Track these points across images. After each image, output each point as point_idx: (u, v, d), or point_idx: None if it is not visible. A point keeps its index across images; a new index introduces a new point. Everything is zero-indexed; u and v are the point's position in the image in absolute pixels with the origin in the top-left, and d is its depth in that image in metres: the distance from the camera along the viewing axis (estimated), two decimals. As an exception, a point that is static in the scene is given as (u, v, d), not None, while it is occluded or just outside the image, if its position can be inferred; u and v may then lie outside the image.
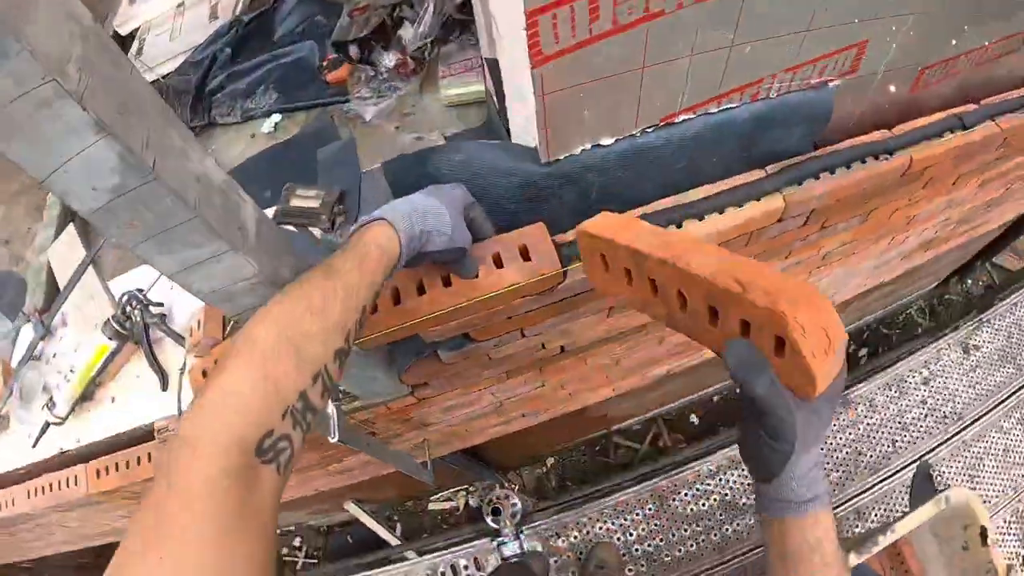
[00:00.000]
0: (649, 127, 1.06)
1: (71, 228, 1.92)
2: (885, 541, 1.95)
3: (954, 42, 1.16)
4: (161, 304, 1.63)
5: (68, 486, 1.64)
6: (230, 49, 1.94)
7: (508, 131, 1.15)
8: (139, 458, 1.58)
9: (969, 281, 3.75)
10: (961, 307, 3.96)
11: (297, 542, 4.44)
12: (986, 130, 1.30)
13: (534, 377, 1.66)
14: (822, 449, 0.72)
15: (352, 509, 3.28)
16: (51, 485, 1.66)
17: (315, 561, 4.28)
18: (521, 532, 2.47)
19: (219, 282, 0.84)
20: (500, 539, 2.47)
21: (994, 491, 2.64)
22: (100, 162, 0.61)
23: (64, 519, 1.91)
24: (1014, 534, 2.62)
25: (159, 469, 0.57)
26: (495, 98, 1.24)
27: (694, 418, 3.95)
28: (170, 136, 0.70)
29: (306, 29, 1.94)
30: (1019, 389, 2.84)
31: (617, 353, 1.69)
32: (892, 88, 1.22)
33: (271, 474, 0.61)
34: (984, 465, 2.69)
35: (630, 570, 2.35)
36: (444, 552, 2.55)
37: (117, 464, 1.60)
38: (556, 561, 2.41)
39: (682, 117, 1.07)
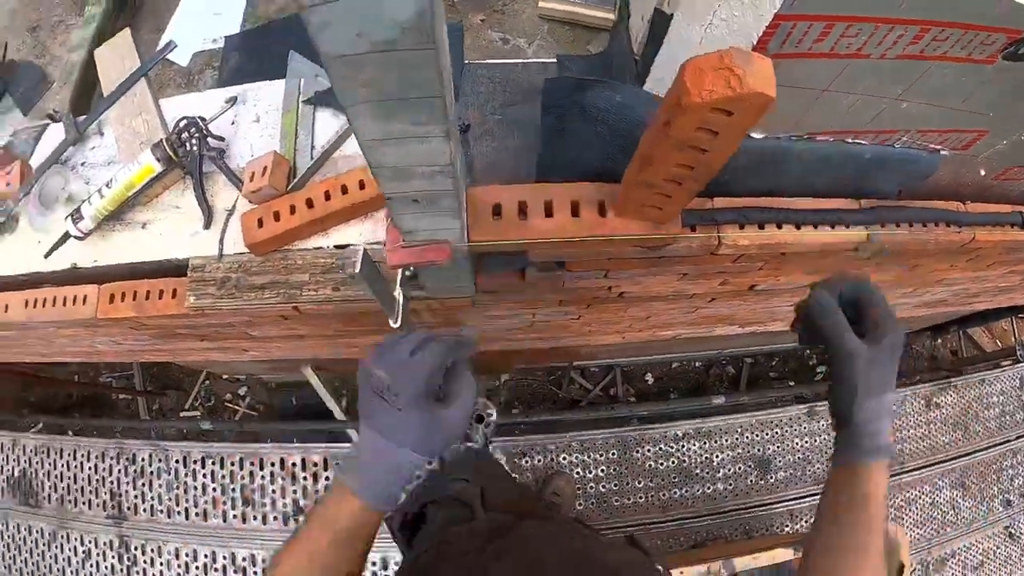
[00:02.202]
0: (794, 135, 1.26)
1: (127, 33, 1.74)
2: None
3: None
4: (223, 139, 1.58)
5: (75, 304, 1.61)
6: None
7: (639, 76, 1.28)
8: (161, 291, 1.56)
9: (939, 341, 4.12)
10: (923, 362, 4.32)
11: (243, 391, 4.57)
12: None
13: (578, 310, 1.88)
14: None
15: (308, 375, 3.33)
16: (56, 299, 1.63)
17: (255, 413, 4.47)
18: (490, 443, 2.73)
19: (412, 160, 0.93)
20: (468, 444, 2.72)
21: (910, 537, 3.01)
22: (380, 10, 0.59)
23: (54, 334, 1.93)
24: None
25: None
26: (633, 41, 1.37)
27: (649, 377, 4.28)
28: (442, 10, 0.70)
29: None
30: (961, 456, 3.23)
31: (655, 309, 1.92)
32: (982, 172, 1.44)
33: None
34: (909, 511, 3.07)
35: (580, 504, 2.64)
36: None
37: (136, 293, 1.58)
38: (516, 478, 2.68)
39: (822, 137, 1.27)
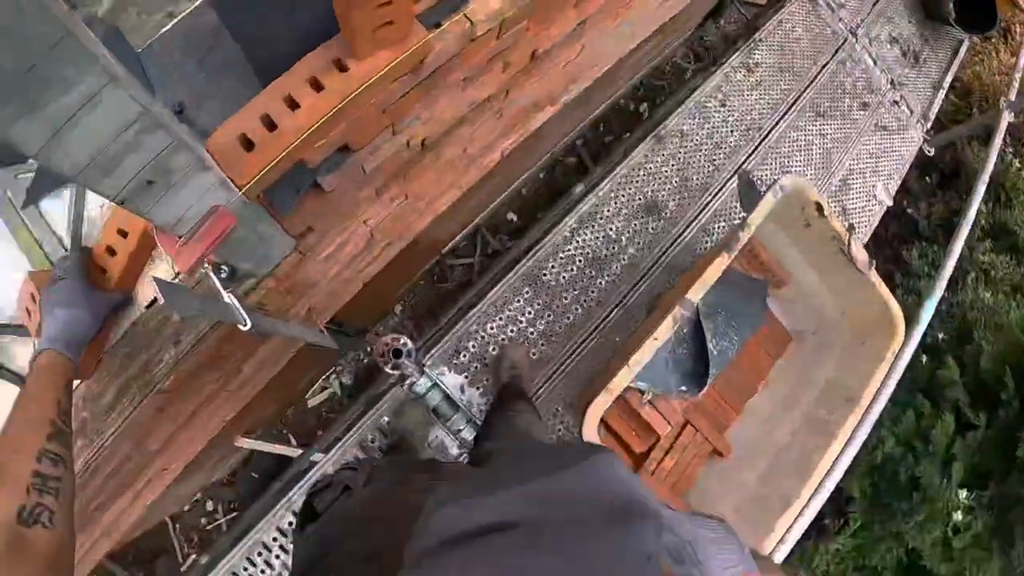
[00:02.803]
0: None
1: None
2: (745, 235, 2.31)
3: None
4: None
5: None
6: None
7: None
8: None
9: (723, 22, 4.19)
10: (721, 47, 4.42)
11: (210, 505, 4.33)
12: None
13: (399, 192, 1.72)
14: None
15: (245, 443, 3.23)
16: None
17: (236, 513, 4.24)
18: (424, 367, 2.61)
19: (101, 136, 0.78)
20: (409, 381, 2.59)
21: (810, 179, 3.15)
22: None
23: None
24: (835, 210, 3.17)
25: None
26: None
27: (511, 216, 4.22)
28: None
29: None
30: (802, 92, 3.39)
31: (465, 138, 1.77)
32: None
33: (40, 530, 0.85)
34: (794, 161, 3.22)
35: (534, 353, 2.58)
36: (356, 430, 2.63)
37: None
38: (466, 377, 2.58)
39: None
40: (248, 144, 1.10)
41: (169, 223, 1.03)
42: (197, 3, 1.37)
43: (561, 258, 2.67)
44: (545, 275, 2.64)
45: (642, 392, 2.46)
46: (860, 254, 2.42)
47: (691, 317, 2.45)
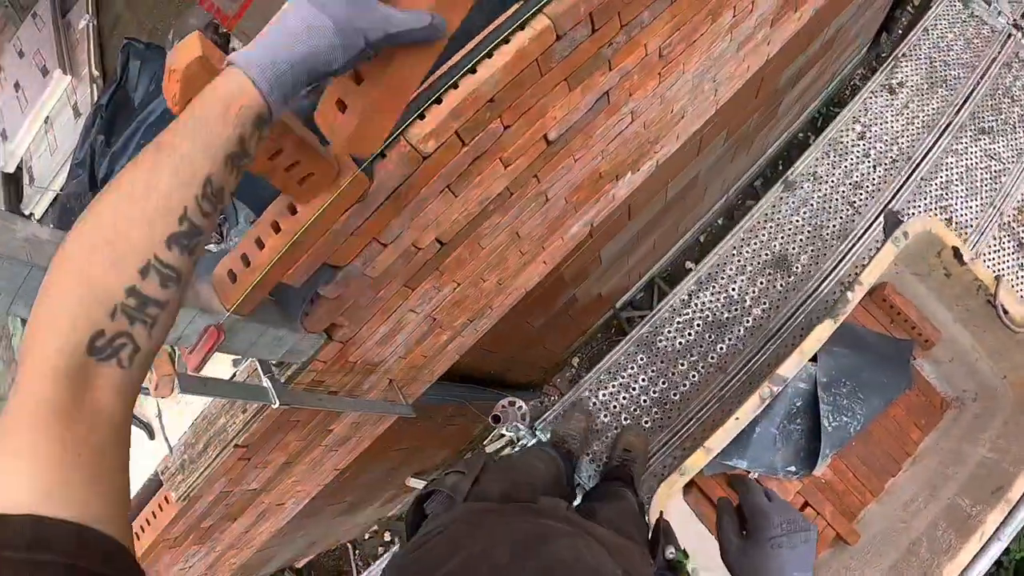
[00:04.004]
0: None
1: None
2: (855, 296, 2.11)
3: None
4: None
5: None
6: (102, 136, 2.07)
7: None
8: (160, 505, 1.84)
9: (899, 31, 3.79)
10: (855, 72, 4.00)
11: (387, 536, 4.78)
12: None
13: (440, 281, 1.83)
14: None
15: (413, 483, 3.48)
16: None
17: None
18: (535, 429, 2.68)
19: None
20: (521, 443, 2.68)
21: (972, 215, 2.75)
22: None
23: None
24: (1008, 245, 2.74)
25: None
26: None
27: (690, 265, 4.12)
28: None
29: (159, 83, 2.05)
30: (960, 108, 2.93)
31: (504, 225, 1.84)
32: None
33: (111, 371, 0.65)
34: (953, 191, 2.80)
35: (645, 421, 2.54)
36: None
37: (147, 520, 1.86)
38: (576, 441, 2.61)
39: None
40: (233, 277, 1.32)
41: (171, 341, 1.25)
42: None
43: (678, 323, 2.60)
44: (661, 341, 2.60)
45: (747, 470, 2.32)
46: (1017, 308, 2.09)
47: (807, 389, 2.26)
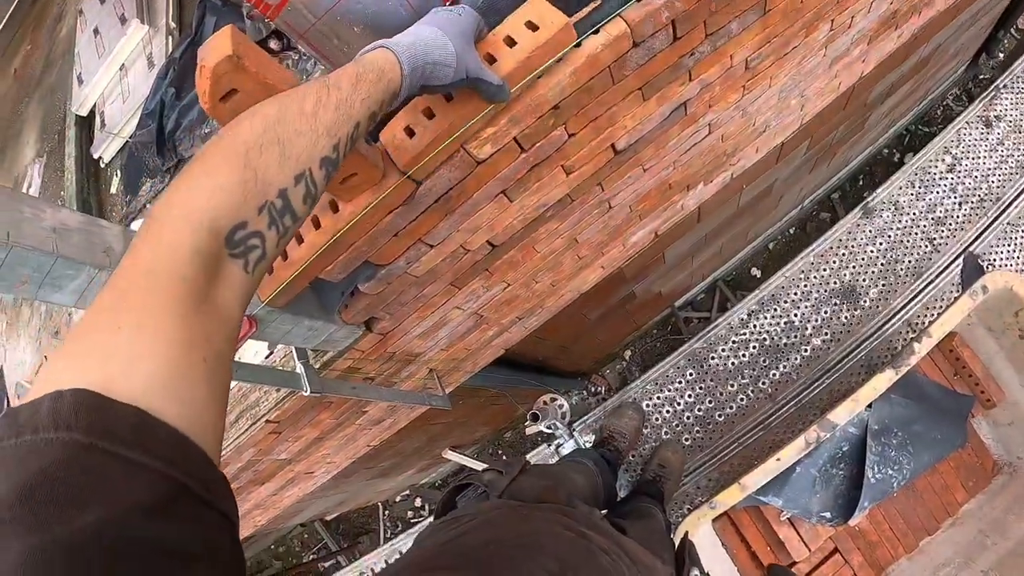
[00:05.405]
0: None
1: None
2: (922, 349, 1.99)
3: None
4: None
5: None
6: (174, 89, 2.07)
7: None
8: None
9: (1000, 55, 3.52)
10: (949, 100, 3.73)
11: (418, 502, 4.83)
12: None
13: (489, 281, 1.77)
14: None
15: (450, 455, 3.49)
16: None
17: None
18: (573, 430, 2.63)
19: None
20: (557, 441, 2.64)
21: None
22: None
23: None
24: None
25: (127, 252, 0.58)
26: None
27: (755, 272, 3.98)
28: (20, 211, 0.90)
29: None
30: None
31: (563, 231, 1.76)
32: None
33: (238, 270, 0.63)
34: None
35: (686, 439, 2.47)
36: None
37: None
38: (624, 440, 2.55)
39: None
40: (271, 269, 1.30)
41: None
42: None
43: (734, 342, 2.50)
44: (713, 358, 2.50)
45: (781, 508, 2.22)
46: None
47: (856, 434, 2.15)
